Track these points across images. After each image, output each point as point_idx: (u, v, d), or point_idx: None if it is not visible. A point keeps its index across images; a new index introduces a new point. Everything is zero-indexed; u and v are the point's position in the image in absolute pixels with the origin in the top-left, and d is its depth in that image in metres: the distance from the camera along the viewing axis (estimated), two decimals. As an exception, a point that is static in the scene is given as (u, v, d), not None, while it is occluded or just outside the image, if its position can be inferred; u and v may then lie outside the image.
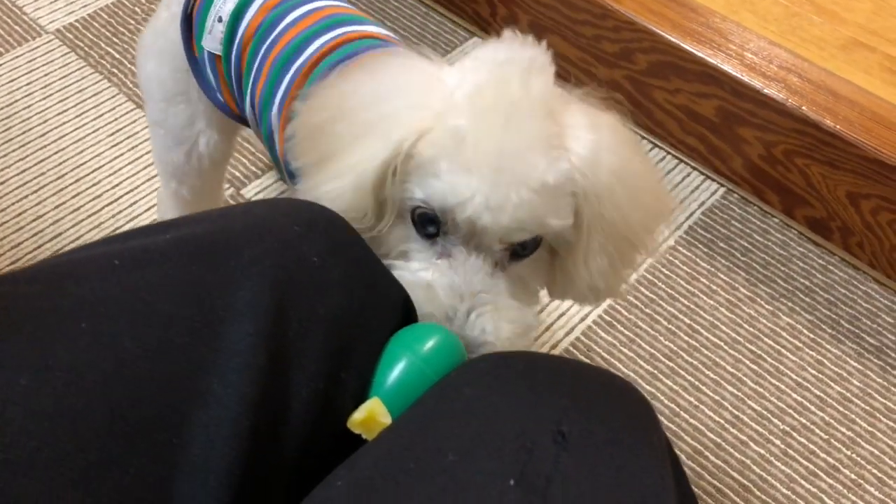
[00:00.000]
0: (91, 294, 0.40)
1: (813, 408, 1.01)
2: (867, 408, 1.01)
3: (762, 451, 0.97)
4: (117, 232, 0.67)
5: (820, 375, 1.04)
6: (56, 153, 1.20)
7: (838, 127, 1.04)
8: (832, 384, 1.03)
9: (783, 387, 1.03)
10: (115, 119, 1.25)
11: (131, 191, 1.17)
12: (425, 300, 0.52)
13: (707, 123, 1.17)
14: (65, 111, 1.26)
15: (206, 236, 0.44)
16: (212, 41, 0.73)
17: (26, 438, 0.34)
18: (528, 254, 0.54)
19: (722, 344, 1.06)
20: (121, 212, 1.15)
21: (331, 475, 0.41)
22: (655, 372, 1.03)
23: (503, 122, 0.48)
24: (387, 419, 0.45)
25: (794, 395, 1.02)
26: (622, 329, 1.07)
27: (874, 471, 0.96)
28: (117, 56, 1.33)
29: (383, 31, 0.70)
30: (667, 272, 1.13)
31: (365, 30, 0.69)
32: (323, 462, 0.43)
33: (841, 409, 1.01)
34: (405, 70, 0.55)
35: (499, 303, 0.52)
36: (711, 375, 1.03)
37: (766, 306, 1.10)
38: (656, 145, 1.27)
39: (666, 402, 1.01)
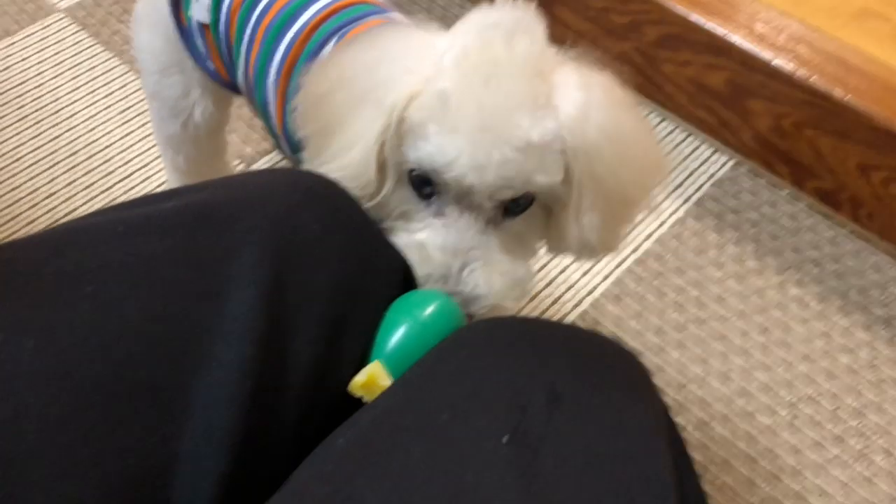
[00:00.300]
0: (94, 260, 0.41)
1: (820, 379, 1.01)
2: (875, 379, 1.01)
3: (769, 422, 0.98)
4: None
5: (828, 347, 1.04)
6: (68, 131, 1.22)
7: (848, 97, 1.03)
8: (840, 355, 1.03)
9: (791, 358, 1.03)
10: (126, 96, 1.26)
11: (142, 167, 1.18)
12: (420, 261, 0.53)
13: (716, 95, 1.17)
14: (76, 89, 1.27)
15: (208, 204, 0.45)
16: (199, 10, 0.73)
17: (34, 398, 0.35)
18: (521, 211, 0.55)
19: (730, 316, 1.06)
20: (132, 188, 1.16)
21: (332, 434, 0.42)
22: (663, 344, 1.04)
23: (484, 82, 0.49)
24: (387, 382, 0.46)
25: (802, 367, 1.02)
26: (630, 301, 1.07)
27: (881, 441, 0.96)
28: (127, 33, 1.34)
29: None
30: (675, 244, 1.13)
31: None
32: (324, 425, 0.44)
33: (848, 379, 1.01)
34: (399, 38, 0.56)
35: (490, 258, 0.54)
36: (719, 347, 1.04)
37: (775, 278, 1.10)
38: (666, 117, 1.26)
39: (673, 373, 1.02)
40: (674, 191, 1.19)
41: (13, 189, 1.15)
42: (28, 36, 1.33)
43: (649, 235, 1.14)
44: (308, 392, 0.44)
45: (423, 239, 0.54)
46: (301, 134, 0.59)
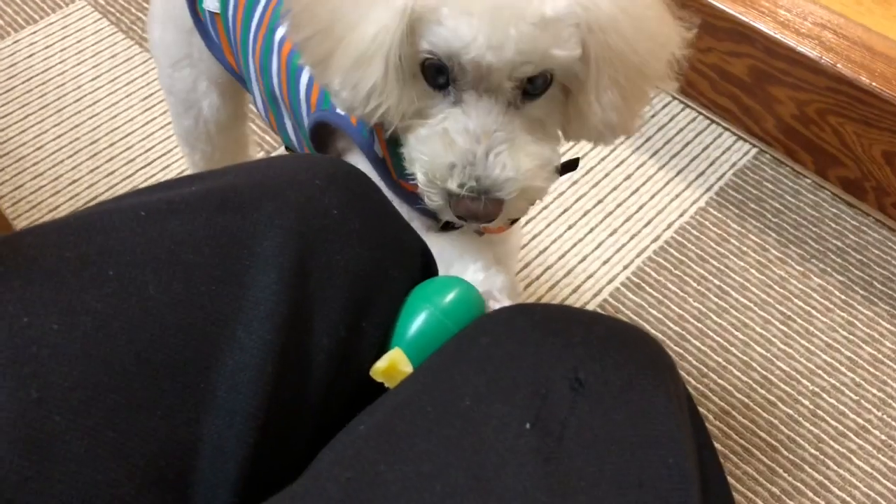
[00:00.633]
0: (118, 243, 0.41)
1: (843, 369, 1.00)
2: (899, 369, 1.00)
3: (791, 412, 0.97)
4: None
5: (851, 337, 1.03)
6: (90, 118, 1.22)
7: (874, 84, 1.02)
8: (864, 345, 1.02)
9: (813, 348, 1.02)
10: (148, 84, 1.27)
11: (164, 154, 1.19)
12: (444, 149, 0.52)
13: (739, 83, 1.15)
14: (98, 77, 1.27)
15: (230, 189, 0.45)
16: (211, 0, 0.73)
17: (59, 379, 0.36)
18: (540, 92, 0.54)
19: (751, 305, 1.05)
20: (153, 175, 1.17)
21: (353, 420, 0.42)
22: (684, 333, 1.03)
23: None
24: (408, 368, 0.46)
25: (824, 356, 1.01)
26: (650, 290, 1.07)
27: (905, 432, 0.95)
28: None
29: None
30: (696, 233, 1.12)
31: None
32: (345, 409, 0.44)
33: (872, 370, 1.00)
34: None
35: (515, 139, 0.53)
36: (740, 336, 1.03)
37: (797, 267, 1.09)
38: (688, 105, 1.25)
39: (694, 362, 1.01)
40: (695, 179, 1.18)
41: (37, 176, 1.16)
42: (50, 24, 1.34)
43: (670, 224, 1.13)
44: (329, 376, 0.44)
45: (445, 126, 0.53)
46: (295, 39, 0.56)
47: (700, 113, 1.25)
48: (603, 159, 1.19)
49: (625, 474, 0.36)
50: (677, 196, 1.16)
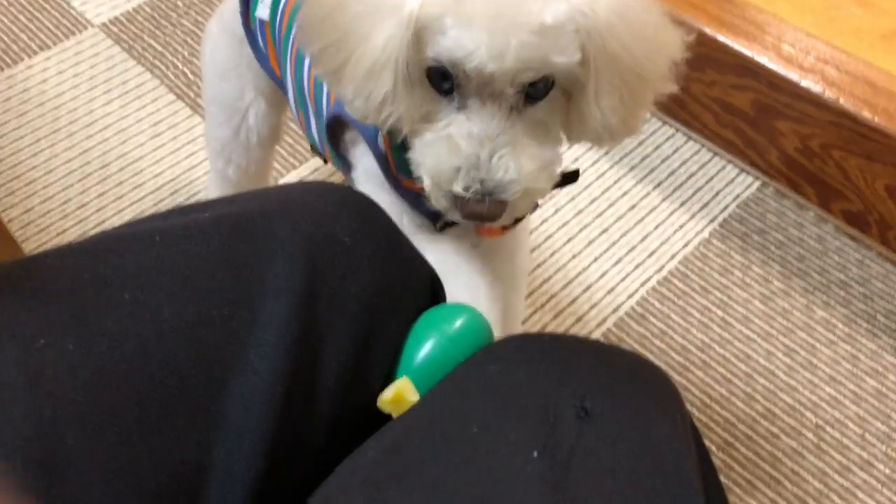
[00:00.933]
0: (133, 267, 0.41)
1: (847, 402, 1.00)
2: (903, 403, 1.00)
3: (794, 444, 0.97)
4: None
5: (855, 370, 1.03)
6: (100, 143, 1.24)
7: (877, 119, 1.03)
8: (867, 378, 1.02)
9: (817, 380, 1.02)
10: (157, 110, 1.28)
11: (172, 180, 1.20)
12: (449, 153, 0.54)
13: (743, 116, 1.17)
14: (109, 102, 1.29)
15: (243, 215, 0.46)
16: (262, 8, 0.76)
17: (73, 401, 0.36)
18: (542, 96, 0.55)
19: (755, 337, 1.06)
20: (162, 200, 1.18)
21: (362, 446, 0.42)
22: (687, 364, 1.03)
23: None
24: (415, 397, 0.46)
25: (828, 389, 1.01)
26: (654, 321, 1.07)
27: (909, 466, 0.95)
28: (159, 49, 1.36)
29: None
30: (700, 264, 1.12)
31: None
32: (354, 434, 0.45)
33: (877, 403, 1.00)
34: None
35: (517, 143, 0.55)
36: (744, 368, 1.03)
37: (801, 299, 1.09)
38: (692, 137, 1.26)
39: (697, 393, 1.01)
40: (699, 211, 1.18)
41: (46, 199, 1.17)
42: (64, 50, 1.36)
43: (674, 255, 1.13)
44: (338, 401, 0.44)
45: (449, 131, 0.55)
46: (308, 51, 0.59)
47: (704, 145, 1.26)
48: (607, 189, 1.20)
49: (631, 503, 0.37)
50: (681, 227, 1.17)
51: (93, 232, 1.13)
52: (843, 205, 1.13)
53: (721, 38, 1.12)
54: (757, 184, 1.22)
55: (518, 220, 0.68)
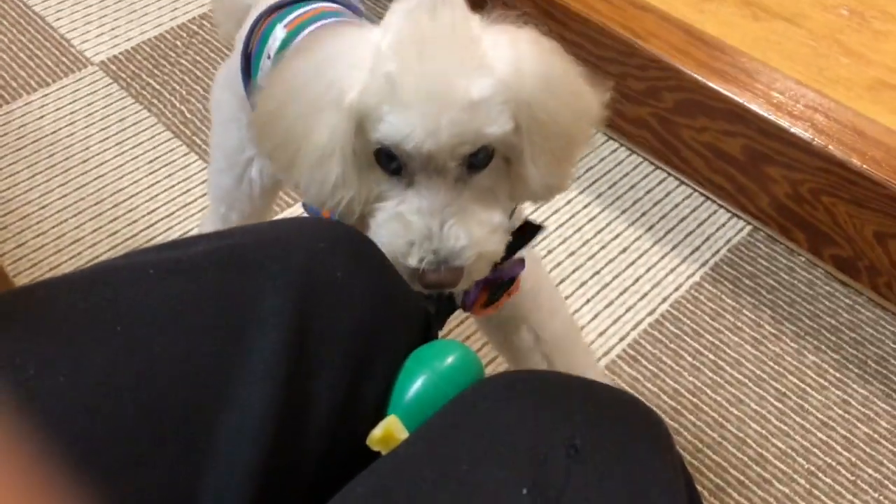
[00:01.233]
0: (125, 301, 0.42)
1: (839, 447, 1.00)
2: (895, 449, 1.00)
3: (786, 490, 0.96)
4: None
5: (846, 415, 1.03)
6: (96, 179, 1.24)
7: (865, 166, 1.04)
8: (859, 424, 1.02)
9: (808, 426, 1.02)
10: (154, 147, 1.29)
11: (167, 216, 1.20)
12: (402, 229, 0.57)
13: (733, 162, 1.18)
14: (106, 139, 1.30)
15: (236, 249, 0.46)
16: (263, 76, 0.77)
17: (64, 431, 0.36)
18: (484, 165, 0.59)
19: (746, 381, 1.06)
20: (156, 236, 1.18)
21: (351, 482, 0.42)
22: (679, 408, 1.03)
23: (419, 57, 0.54)
24: (404, 435, 0.46)
25: (820, 435, 1.01)
26: (646, 364, 1.07)
27: (902, 514, 0.95)
28: (157, 87, 1.38)
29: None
30: (692, 308, 1.13)
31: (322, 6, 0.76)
32: (343, 470, 0.44)
33: (868, 449, 1.00)
34: (336, 39, 0.60)
35: (466, 210, 0.58)
36: (735, 412, 1.03)
37: (792, 344, 1.09)
38: (683, 182, 1.28)
39: (689, 437, 1.01)
40: (691, 254, 1.19)
41: (40, 234, 1.17)
42: (63, 87, 1.37)
43: (665, 298, 1.14)
44: (327, 437, 0.44)
45: (400, 209, 0.58)
46: (261, 152, 0.62)
47: (695, 190, 1.27)
48: (599, 232, 1.21)
49: (621, 543, 0.36)
50: (673, 270, 1.17)
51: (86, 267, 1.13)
52: (834, 250, 1.14)
53: (713, 85, 1.14)
54: (748, 228, 1.23)
55: (509, 293, 0.70)
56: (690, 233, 1.22)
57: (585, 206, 1.25)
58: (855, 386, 1.05)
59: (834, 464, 0.98)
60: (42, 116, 1.33)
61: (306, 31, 0.74)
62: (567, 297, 1.14)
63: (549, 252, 1.19)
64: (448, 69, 0.54)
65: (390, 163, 0.58)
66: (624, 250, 1.20)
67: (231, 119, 0.87)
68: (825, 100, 1.11)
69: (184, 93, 1.37)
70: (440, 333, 0.60)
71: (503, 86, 0.55)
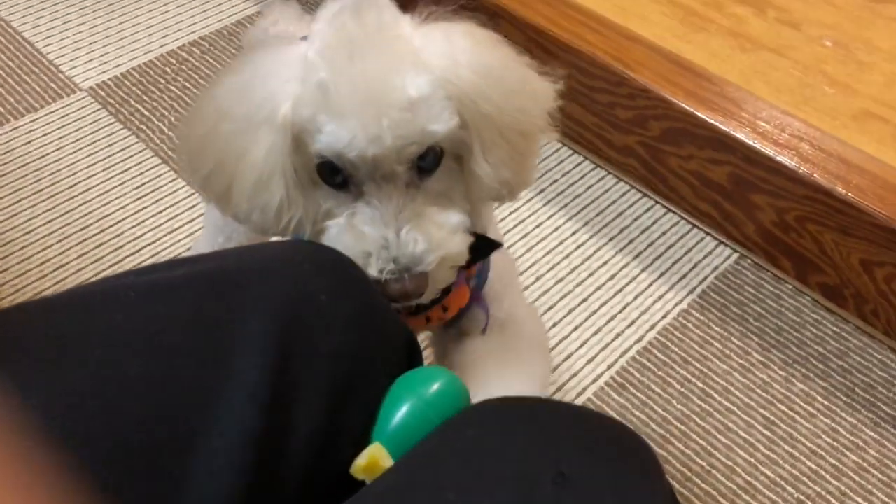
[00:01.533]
0: (102, 324, 0.41)
1: (828, 476, 0.99)
2: (884, 479, 0.99)
3: (776, 520, 0.95)
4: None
5: (835, 444, 1.02)
6: (82, 204, 1.24)
7: (850, 195, 1.05)
8: (848, 453, 1.01)
9: (797, 454, 1.01)
10: (141, 173, 1.29)
11: (153, 242, 1.19)
12: (355, 241, 0.54)
13: (720, 189, 1.19)
14: (93, 165, 1.30)
15: (218, 272, 0.46)
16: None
17: (35, 459, 0.35)
18: (434, 167, 0.56)
19: (735, 409, 1.05)
20: (142, 262, 1.17)
21: (333, 512, 0.41)
22: (667, 435, 1.02)
23: (350, 60, 0.52)
24: (388, 463, 0.45)
25: (809, 463, 1.00)
26: (634, 391, 1.06)
27: (892, 544, 0.94)
28: (146, 113, 1.38)
29: None
30: (679, 335, 1.13)
31: None
32: (325, 501, 0.43)
33: (857, 478, 0.99)
34: (263, 55, 0.58)
35: (422, 214, 0.55)
36: (724, 440, 1.02)
37: (780, 372, 1.09)
38: (670, 209, 1.28)
39: (678, 465, 1.00)
40: (678, 282, 1.19)
41: (24, 260, 1.16)
42: (51, 113, 1.37)
43: (653, 326, 1.14)
44: (309, 465, 0.43)
45: (351, 221, 0.55)
46: (194, 182, 0.59)
47: (682, 217, 1.27)
48: (587, 259, 1.21)
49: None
50: (660, 297, 1.17)
51: (69, 293, 1.12)
52: (820, 278, 1.14)
53: (700, 114, 1.15)
54: (735, 256, 1.23)
55: (463, 310, 0.66)
56: (678, 260, 1.22)
57: (573, 233, 1.25)
58: (843, 414, 1.05)
59: (823, 493, 0.98)
60: (29, 142, 1.32)
61: None
62: (555, 325, 1.13)
63: (538, 279, 1.18)
64: (381, 69, 0.52)
65: (334, 177, 0.56)
66: (612, 277, 1.20)
67: None
68: (810, 129, 1.12)
69: (172, 119, 1.37)
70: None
71: (441, 81, 0.53)
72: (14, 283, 1.13)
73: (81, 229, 1.20)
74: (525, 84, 0.58)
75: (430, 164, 0.56)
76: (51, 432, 0.36)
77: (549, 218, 1.26)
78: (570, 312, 1.15)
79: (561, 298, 1.16)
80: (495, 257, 0.66)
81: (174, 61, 1.47)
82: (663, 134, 1.21)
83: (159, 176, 1.28)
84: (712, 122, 1.14)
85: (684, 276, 1.20)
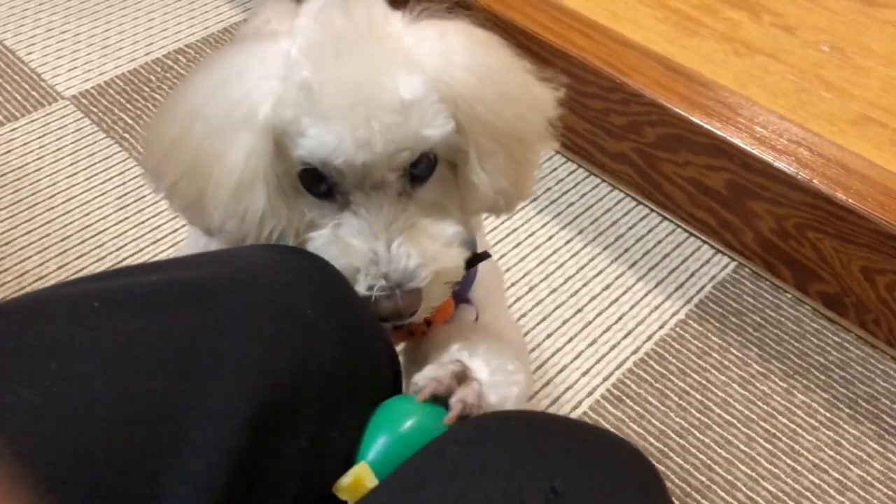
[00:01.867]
0: (63, 334, 0.38)
1: (832, 491, 0.96)
2: (890, 493, 0.96)
3: (779, 537, 0.92)
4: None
5: (838, 457, 0.99)
6: (63, 215, 1.20)
7: (850, 201, 1.03)
8: (851, 466, 0.98)
9: (800, 468, 0.98)
10: (124, 183, 1.26)
11: (136, 253, 1.16)
12: (342, 254, 0.50)
13: (717, 196, 1.16)
14: (74, 174, 1.26)
15: (194, 281, 0.43)
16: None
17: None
18: (427, 175, 0.52)
19: (735, 421, 1.02)
20: (123, 274, 1.14)
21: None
22: (666, 450, 0.99)
23: (337, 58, 0.48)
24: (373, 483, 0.43)
25: (812, 477, 0.97)
26: (631, 404, 1.03)
27: (899, 560, 0.91)
28: (129, 122, 1.35)
29: None
30: (677, 346, 1.10)
31: None
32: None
33: (862, 492, 0.96)
34: (241, 50, 0.54)
35: (414, 226, 0.51)
36: (724, 454, 0.99)
37: (781, 383, 1.06)
38: (666, 217, 1.26)
39: (677, 481, 0.97)
40: (675, 291, 1.16)
41: (1, 272, 1.12)
42: (32, 122, 1.34)
43: (650, 336, 1.11)
44: (292, 486, 0.40)
45: (338, 233, 0.51)
46: (160, 191, 0.54)
47: (679, 226, 1.25)
48: (582, 268, 1.18)
49: None
50: (657, 307, 1.14)
51: (48, 306, 1.09)
52: (820, 287, 1.11)
53: (695, 119, 1.13)
54: (733, 265, 1.20)
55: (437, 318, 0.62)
56: (674, 269, 1.19)
57: (567, 242, 1.22)
58: (846, 426, 1.02)
59: (827, 508, 0.95)
60: (9, 151, 1.29)
61: None
62: (549, 336, 1.10)
63: (531, 289, 1.16)
64: (371, 69, 0.48)
65: (318, 185, 0.51)
66: (607, 287, 1.17)
67: None
68: (809, 134, 1.10)
69: (157, 127, 1.34)
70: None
71: (435, 81, 0.49)
72: (-9, 295, 1.10)
73: (62, 240, 1.17)
74: (525, 89, 0.55)
75: (423, 172, 0.52)
76: (3, 451, 0.33)
77: (542, 227, 1.24)
78: (564, 323, 1.12)
79: (555, 309, 1.13)
80: (483, 266, 0.63)
81: (159, 69, 1.44)
82: (658, 140, 1.18)
83: (141, 186, 1.25)
84: (708, 127, 1.11)
85: (681, 285, 1.17)
